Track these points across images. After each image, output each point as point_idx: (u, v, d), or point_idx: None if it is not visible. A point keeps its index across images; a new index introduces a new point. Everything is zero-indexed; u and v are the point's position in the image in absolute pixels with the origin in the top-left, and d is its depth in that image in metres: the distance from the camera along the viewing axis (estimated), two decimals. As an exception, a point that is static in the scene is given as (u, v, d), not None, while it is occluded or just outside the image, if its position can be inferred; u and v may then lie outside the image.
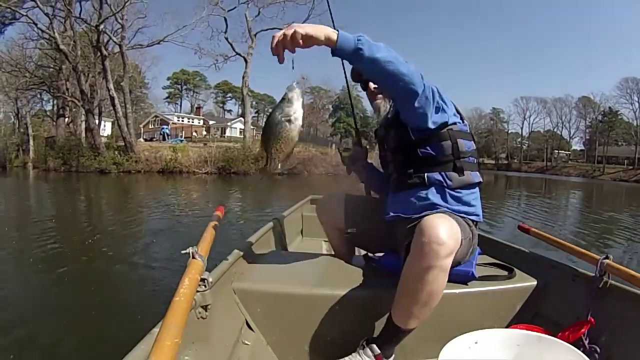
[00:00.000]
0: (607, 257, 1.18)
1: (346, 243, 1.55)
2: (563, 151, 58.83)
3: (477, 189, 1.33)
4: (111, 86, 21.30)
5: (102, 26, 21.09)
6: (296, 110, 0.95)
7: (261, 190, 11.64)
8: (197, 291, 0.89)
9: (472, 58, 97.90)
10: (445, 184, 1.27)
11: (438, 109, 1.24)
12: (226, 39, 24.82)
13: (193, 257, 0.93)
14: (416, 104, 1.17)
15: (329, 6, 1.67)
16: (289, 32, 0.96)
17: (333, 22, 1.54)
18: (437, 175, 1.27)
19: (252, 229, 2.03)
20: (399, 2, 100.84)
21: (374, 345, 1.09)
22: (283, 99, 0.98)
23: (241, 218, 6.64)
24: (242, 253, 1.37)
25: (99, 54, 22.43)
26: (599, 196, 17.37)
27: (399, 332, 1.09)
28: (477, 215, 1.32)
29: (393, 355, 1.13)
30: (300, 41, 0.97)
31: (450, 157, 1.27)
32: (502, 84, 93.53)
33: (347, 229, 1.48)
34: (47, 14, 21.60)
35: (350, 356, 1.09)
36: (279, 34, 0.97)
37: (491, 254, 1.64)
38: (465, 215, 1.27)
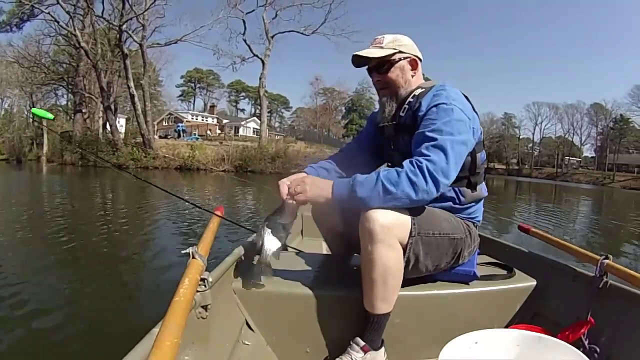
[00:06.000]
0: (607, 257, 1.17)
1: (344, 244, 1.49)
2: (574, 158, 58.57)
3: (482, 201, 1.32)
4: (131, 84, 21.62)
5: (124, 26, 21.46)
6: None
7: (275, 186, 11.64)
8: (197, 291, 0.89)
9: (485, 62, 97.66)
10: (458, 201, 1.24)
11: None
12: (244, 40, 25.15)
13: (193, 257, 0.94)
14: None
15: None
16: (297, 196, 1.11)
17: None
18: (451, 193, 1.23)
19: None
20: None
21: (358, 339, 1.11)
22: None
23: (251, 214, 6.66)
24: (242, 253, 1.35)
25: (118, 52, 22.77)
26: (609, 203, 17.26)
27: (374, 318, 1.10)
28: (478, 219, 1.31)
29: (383, 348, 1.14)
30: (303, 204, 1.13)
31: (467, 174, 1.22)
32: (515, 89, 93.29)
33: (343, 230, 1.42)
34: (68, 12, 21.98)
35: (340, 357, 1.11)
36: (290, 191, 1.13)
37: (491, 254, 1.61)
38: (464, 217, 1.27)
